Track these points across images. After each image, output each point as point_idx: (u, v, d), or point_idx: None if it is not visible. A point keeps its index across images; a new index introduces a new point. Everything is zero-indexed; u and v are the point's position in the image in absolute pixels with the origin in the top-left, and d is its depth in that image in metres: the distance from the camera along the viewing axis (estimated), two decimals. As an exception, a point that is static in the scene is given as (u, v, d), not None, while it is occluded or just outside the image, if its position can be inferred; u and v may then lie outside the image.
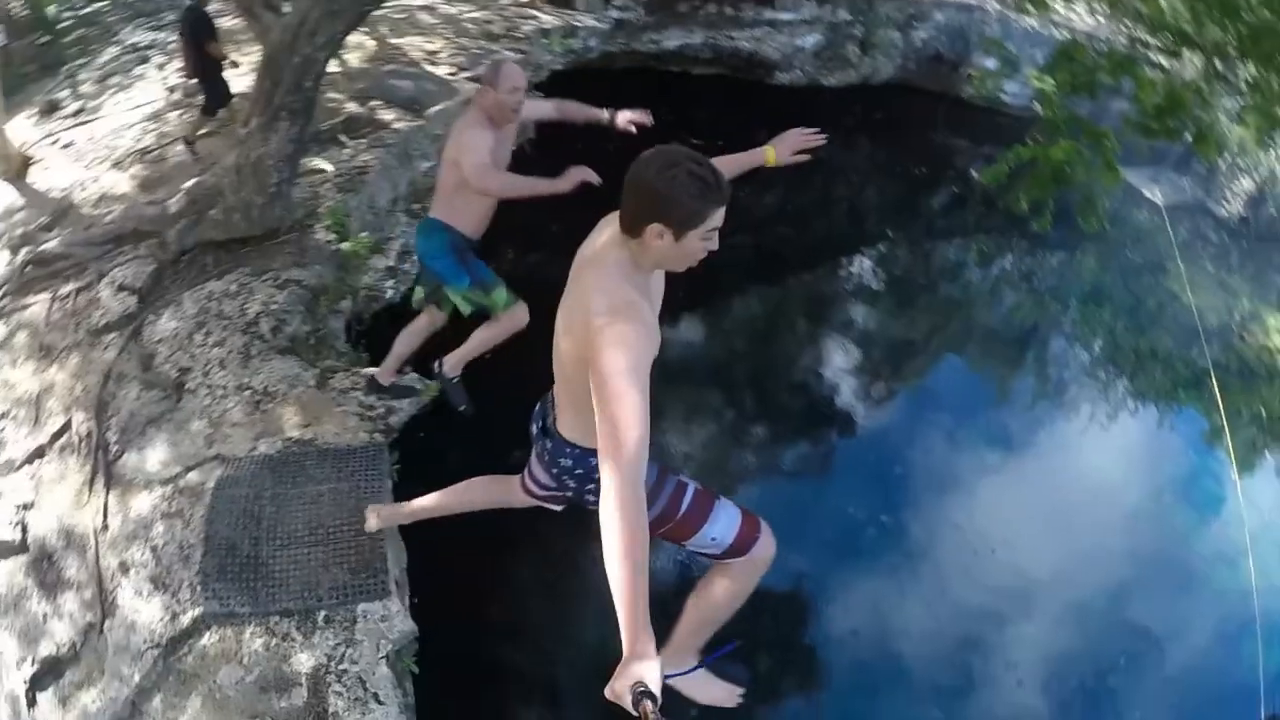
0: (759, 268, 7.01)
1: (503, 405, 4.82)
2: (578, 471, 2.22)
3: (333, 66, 6.53)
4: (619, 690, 1.45)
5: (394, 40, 6.90)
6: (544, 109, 3.68)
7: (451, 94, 5.71)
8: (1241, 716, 4.87)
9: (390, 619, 2.80)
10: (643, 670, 1.45)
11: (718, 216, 1.84)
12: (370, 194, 4.80)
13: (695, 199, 1.77)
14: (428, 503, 2.92)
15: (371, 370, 3.93)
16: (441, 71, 6.17)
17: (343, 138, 5.26)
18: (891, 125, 9.00)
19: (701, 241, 1.85)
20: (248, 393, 3.85)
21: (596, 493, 1.98)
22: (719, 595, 2.37)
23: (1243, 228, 12.13)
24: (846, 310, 7.23)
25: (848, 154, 8.95)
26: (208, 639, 2.88)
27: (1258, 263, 11.32)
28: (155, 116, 7.22)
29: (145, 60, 9.11)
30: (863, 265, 7.76)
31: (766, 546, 2.30)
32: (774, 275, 7.10)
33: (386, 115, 5.52)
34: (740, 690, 2.55)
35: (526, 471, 2.56)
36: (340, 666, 2.71)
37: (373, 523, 3.06)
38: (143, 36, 9.86)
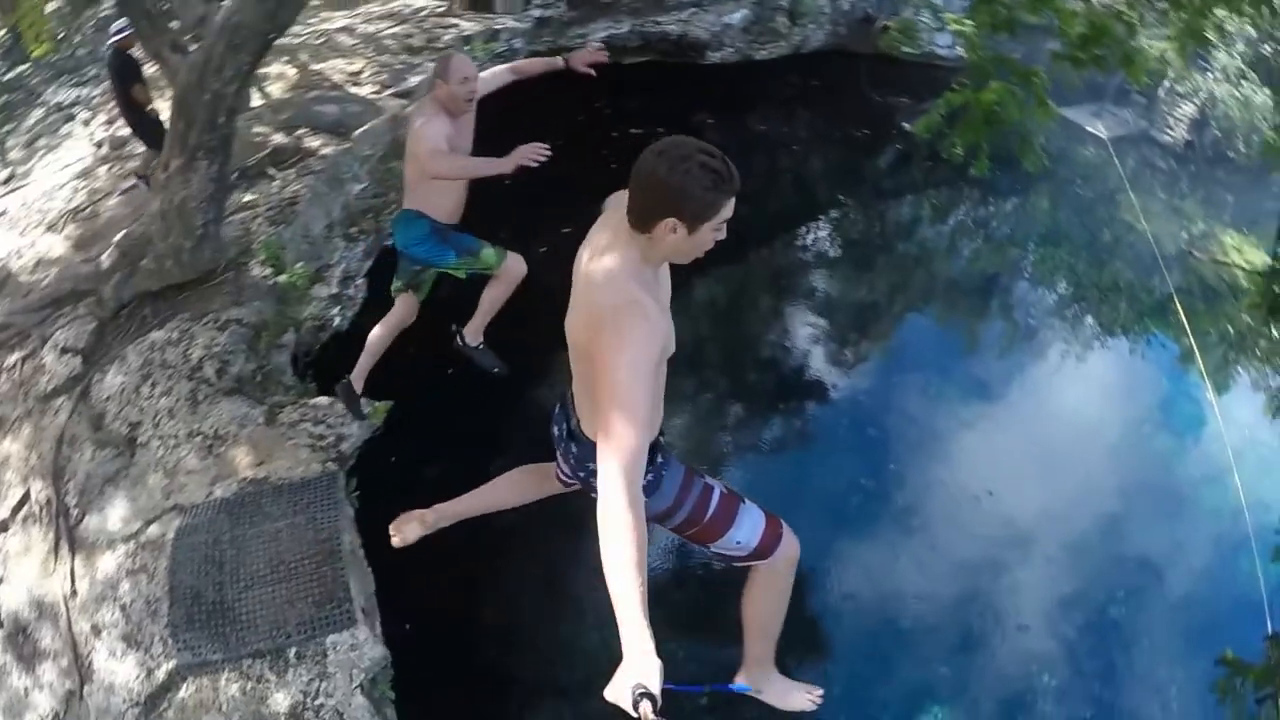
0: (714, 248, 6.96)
1: (465, 412, 4.84)
2: None
3: (256, 100, 6.44)
4: (619, 691, 1.45)
5: (315, 66, 6.80)
6: (501, 77, 3.67)
7: (377, 113, 5.63)
8: (1247, 630, 4.93)
9: (360, 647, 2.74)
10: (642, 671, 1.44)
11: (730, 207, 1.80)
12: (304, 223, 4.71)
13: (709, 191, 1.74)
14: (462, 505, 2.84)
15: (347, 379, 3.90)
16: (365, 91, 6.08)
17: (271, 170, 5.17)
18: (829, 92, 9.00)
19: (713, 233, 1.82)
20: (199, 439, 3.77)
21: None
22: (767, 602, 2.42)
23: (1188, 152, 12.26)
24: (808, 280, 7.21)
25: (789, 125, 8.93)
26: (185, 691, 2.87)
27: (1207, 184, 11.44)
28: (85, 174, 7.08)
29: (71, 118, 8.95)
30: (817, 233, 7.74)
31: (790, 546, 2.32)
32: (730, 253, 7.04)
33: (313, 142, 5.43)
34: (819, 692, 2.63)
35: (555, 467, 2.56)
36: (316, 702, 2.66)
37: (409, 535, 2.84)
38: (67, 94, 9.68)
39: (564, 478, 2.52)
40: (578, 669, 4.01)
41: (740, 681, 2.56)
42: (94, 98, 8.84)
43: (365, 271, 5.22)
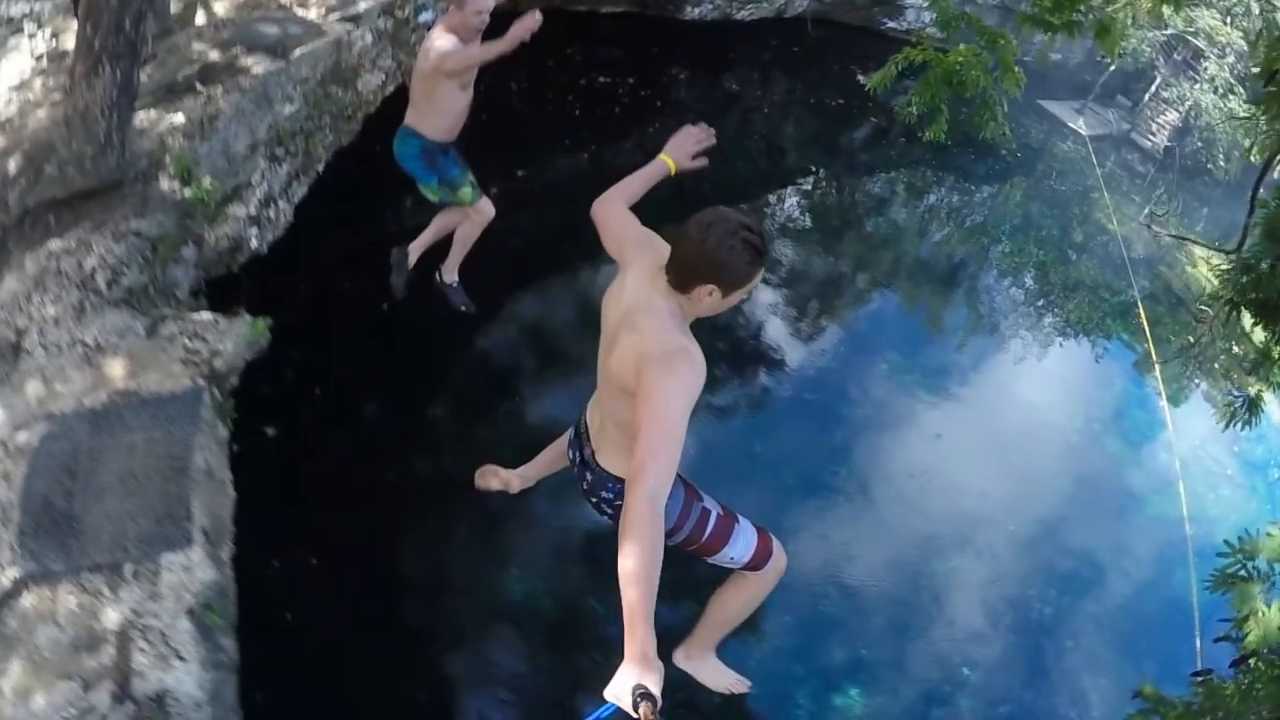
0: (681, 210, 6.76)
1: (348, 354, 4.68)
2: (618, 503, 2.27)
3: (200, 18, 6.12)
4: (620, 691, 1.50)
5: (267, -14, 6.47)
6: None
7: (319, 35, 5.34)
8: (1177, 643, 4.93)
9: (192, 569, 2.54)
10: (644, 673, 1.51)
11: (760, 275, 2.00)
12: (224, 140, 4.43)
13: (749, 265, 1.91)
14: (536, 469, 3.16)
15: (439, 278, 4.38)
16: (312, 15, 5.79)
17: (198, 85, 4.88)
18: (808, 59, 8.77)
19: (743, 296, 2.01)
20: (80, 348, 3.53)
21: None
22: (737, 603, 2.68)
23: (1168, 159, 12.20)
24: (772, 248, 7.01)
25: (763, 89, 8.71)
26: (26, 599, 2.68)
27: (1183, 194, 11.38)
28: (21, 85, 6.76)
29: (20, 31, 8.56)
30: (786, 203, 7.54)
31: (779, 561, 2.54)
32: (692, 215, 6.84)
33: (248, 61, 5.14)
34: (749, 684, 2.93)
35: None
36: (144, 622, 2.47)
37: (488, 484, 3.21)
38: (19, 8, 9.27)
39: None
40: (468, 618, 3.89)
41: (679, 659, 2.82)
42: (43, 12, 8.47)
43: (298, 198, 4.99)
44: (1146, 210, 9.80)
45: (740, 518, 2.48)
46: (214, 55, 5.31)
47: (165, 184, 4.22)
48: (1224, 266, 3.11)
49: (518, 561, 4.22)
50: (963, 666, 4.50)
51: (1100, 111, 11.95)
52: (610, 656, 3.78)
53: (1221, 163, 11.87)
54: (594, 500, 2.42)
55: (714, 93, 8.09)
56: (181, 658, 2.38)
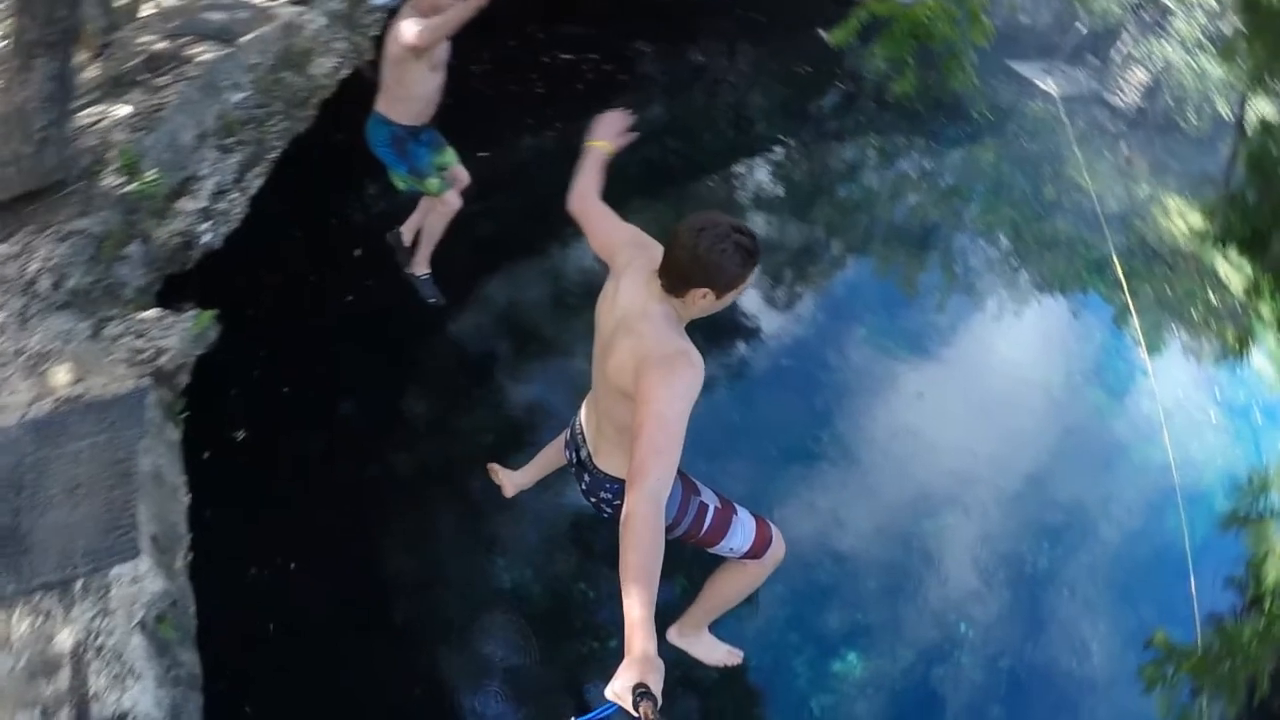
0: (649, 183, 6.62)
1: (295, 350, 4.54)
2: (617, 502, 2.34)
3: (148, 9, 5.88)
4: (620, 690, 1.50)
5: (214, -25, 6.22)
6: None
7: (268, 20, 5.14)
8: (1172, 582, 4.95)
9: (141, 580, 2.39)
10: (645, 672, 1.50)
11: (754, 275, 2.01)
12: (170, 131, 4.24)
13: (742, 267, 1.93)
14: (531, 473, 3.20)
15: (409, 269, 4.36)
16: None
17: (143, 77, 4.68)
18: (773, 27, 8.61)
19: (736, 295, 2.03)
20: (23, 357, 3.35)
21: None
22: (734, 588, 2.71)
23: (1139, 118, 12.17)
24: (745, 217, 6.87)
25: (730, 60, 8.55)
26: None
27: (1155, 151, 11.35)
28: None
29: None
30: (755, 173, 7.40)
31: (778, 548, 2.59)
32: (665, 190, 6.71)
33: (195, 49, 4.94)
34: (741, 655, 2.98)
35: None
36: (97, 641, 2.33)
37: (507, 488, 3.24)
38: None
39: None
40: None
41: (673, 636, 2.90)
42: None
43: (253, 189, 4.80)
44: (1121, 143, 9.73)
45: (739, 508, 2.51)
46: (160, 45, 5.10)
47: (109, 180, 4.03)
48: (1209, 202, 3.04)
49: (504, 551, 4.13)
50: (960, 623, 4.45)
51: (1069, 72, 11.91)
52: (603, 641, 3.71)
53: (1193, 120, 11.88)
54: (593, 500, 2.45)
55: (679, 65, 7.92)
56: (136, 675, 2.23)
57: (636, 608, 1.59)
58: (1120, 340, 7.32)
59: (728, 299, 2.00)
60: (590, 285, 5.84)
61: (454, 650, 3.77)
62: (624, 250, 2.20)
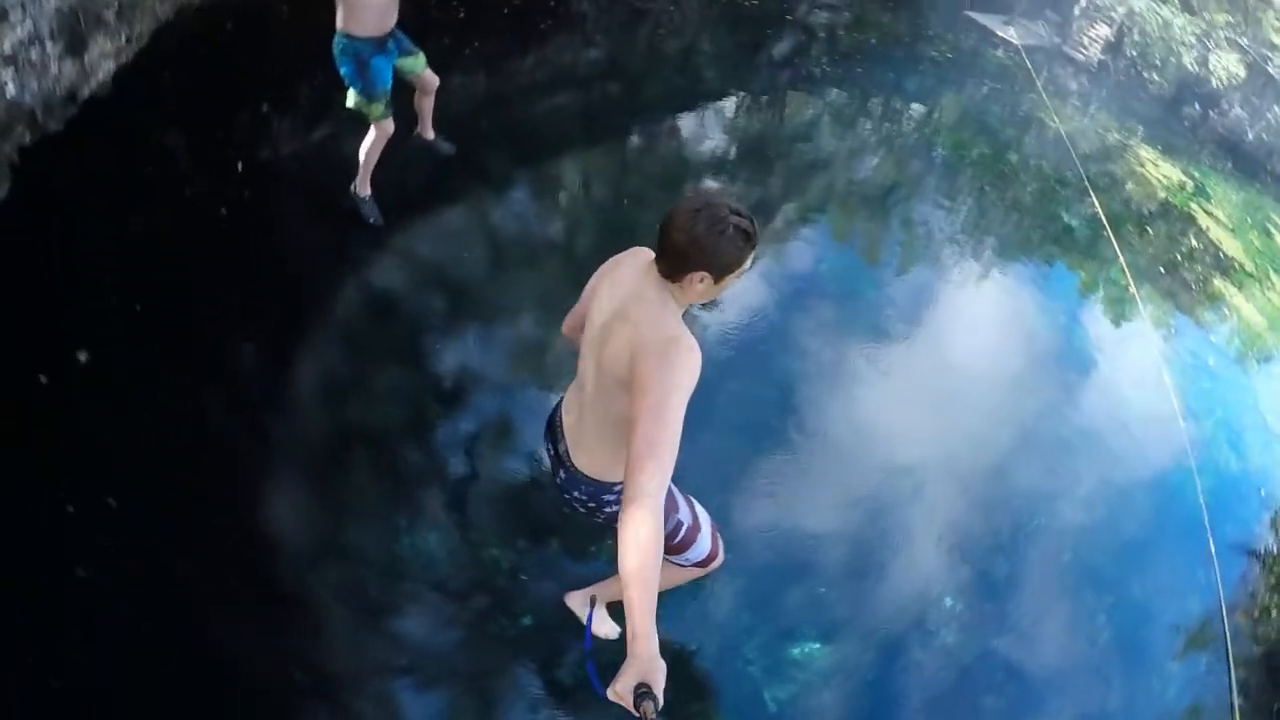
0: (587, 136, 6.02)
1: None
2: (590, 504, 2.37)
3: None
4: (621, 690, 1.50)
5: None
6: None
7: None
8: (1192, 544, 4.64)
9: None
10: (646, 673, 1.50)
11: (752, 258, 1.97)
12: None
13: (740, 250, 1.90)
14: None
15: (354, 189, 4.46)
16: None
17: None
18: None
19: (734, 280, 1.99)
20: None
21: (604, 516, 2.36)
22: (662, 581, 2.50)
23: (1101, 73, 11.86)
24: (694, 173, 6.28)
25: (674, 2, 7.99)
26: None
27: (1119, 105, 11.02)
28: None
29: None
30: (704, 122, 6.82)
31: (718, 561, 2.62)
32: (604, 142, 6.10)
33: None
34: (619, 629, 2.98)
35: None
36: None
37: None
38: None
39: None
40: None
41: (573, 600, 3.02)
42: None
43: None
44: (1100, 142, 9.40)
45: (703, 524, 2.52)
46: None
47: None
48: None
49: (415, 518, 3.45)
50: (945, 597, 3.89)
51: (1029, 25, 11.59)
52: (530, 614, 3.03)
53: (1156, 77, 11.62)
54: (565, 497, 2.43)
55: (619, 9, 7.36)
56: None
57: (637, 608, 1.56)
58: (1109, 281, 6.88)
59: (725, 283, 1.97)
60: (527, 238, 5.24)
61: (353, 630, 3.10)
62: (597, 277, 2.24)
